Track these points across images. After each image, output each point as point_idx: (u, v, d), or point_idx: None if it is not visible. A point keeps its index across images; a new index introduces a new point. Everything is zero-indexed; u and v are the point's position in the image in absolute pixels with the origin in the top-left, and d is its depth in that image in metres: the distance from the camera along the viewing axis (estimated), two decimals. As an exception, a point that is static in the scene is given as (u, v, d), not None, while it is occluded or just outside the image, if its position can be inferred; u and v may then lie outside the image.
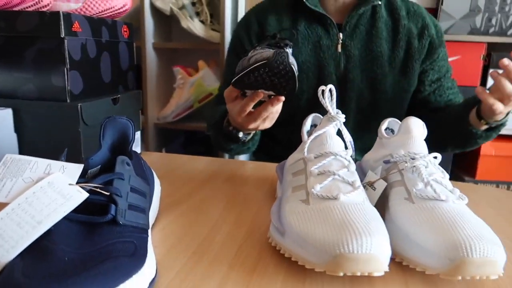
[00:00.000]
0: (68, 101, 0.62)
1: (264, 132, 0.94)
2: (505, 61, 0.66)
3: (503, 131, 1.29)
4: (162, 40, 1.67)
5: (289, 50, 0.63)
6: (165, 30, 1.69)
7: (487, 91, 0.71)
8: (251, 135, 0.81)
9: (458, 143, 0.85)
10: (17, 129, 0.63)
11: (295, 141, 0.58)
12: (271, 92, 0.61)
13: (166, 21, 1.68)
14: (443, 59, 0.91)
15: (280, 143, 0.98)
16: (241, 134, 0.79)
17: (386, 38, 0.87)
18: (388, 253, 0.37)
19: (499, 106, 0.69)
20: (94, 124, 0.64)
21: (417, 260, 0.39)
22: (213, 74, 1.59)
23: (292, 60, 0.57)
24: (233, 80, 0.60)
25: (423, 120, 0.71)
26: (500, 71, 0.69)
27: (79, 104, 0.60)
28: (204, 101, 1.60)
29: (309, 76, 0.88)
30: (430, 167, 0.47)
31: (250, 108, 0.66)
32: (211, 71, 1.58)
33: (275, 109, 0.66)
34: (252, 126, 0.69)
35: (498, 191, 0.70)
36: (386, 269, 0.36)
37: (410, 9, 0.90)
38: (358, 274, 0.35)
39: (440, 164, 0.50)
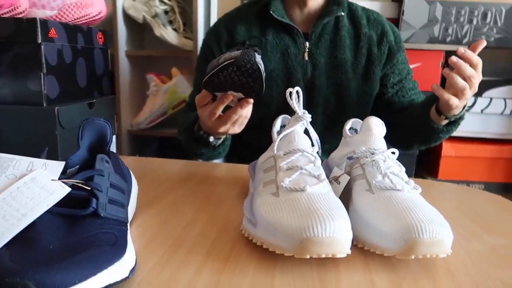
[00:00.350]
0: (45, 105, 0.63)
1: (235, 137, 0.97)
2: (454, 58, 0.71)
3: (463, 134, 1.37)
4: (135, 47, 1.68)
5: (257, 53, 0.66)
6: (138, 38, 1.70)
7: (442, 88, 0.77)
8: (222, 139, 0.84)
9: (423, 139, 0.91)
10: (-7, 133, 0.63)
11: (265, 146, 0.61)
12: (240, 95, 0.64)
13: (139, 29, 1.70)
14: (403, 62, 0.97)
15: (251, 148, 1.01)
16: (211, 139, 0.82)
17: (349, 45, 0.93)
18: (349, 236, 0.41)
19: (454, 101, 0.75)
20: (70, 127, 0.65)
21: (376, 244, 0.44)
22: (187, 81, 1.62)
23: (259, 60, 0.60)
24: (204, 80, 0.62)
25: (389, 121, 0.76)
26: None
27: (56, 108, 0.62)
28: (177, 108, 1.62)
29: (278, 83, 0.92)
30: (388, 161, 0.51)
31: (219, 111, 0.69)
32: (184, 78, 1.61)
33: (245, 113, 0.69)
34: (222, 129, 0.72)
35: (456, 186, 0.75)
36: (349, 251, 0.40)
37: (370, 17, 0.96)
38: (323, 256, 0.39)
39: (404, 165, 0.55)
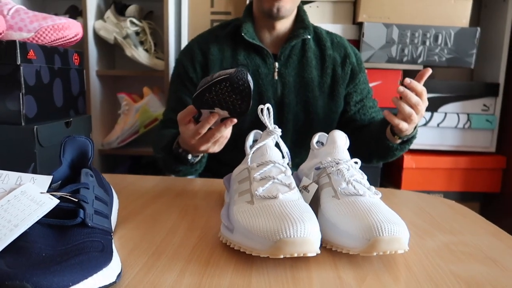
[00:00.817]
0: (23, 124, 0.65)
1: (211, 154, 1.00)
2: (401, 88, 0.79)
3: (422, 147, 1.47)
4: (106, 67, 1.69)
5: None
6: (108, 58, 1.72)
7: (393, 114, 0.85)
8: (199, 157, 0.87)
9: (380, 155, 0.98)
10: (-31, 152, 0.64)
11: (238, 162, 0.65)
12: (225, 113, 0.67)
13: (110, 49, 1.72)
14: (364, 82, 1.05)
15: (226, 165, 1.05)
16: (190, 156, 0.85)
17: (315, 66, 1.00)
18: (318, 237, 0.45)
19: (403, 125, 0.83)
20: (48, 145, 0.67)
21: (342, 244, 0.48)
22: (158, 100, 1.64)
23: (250, 79, 0.64)
24: (194, 95, 0.65)
25: (351, 137, 0.83)
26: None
27: (35, 127, 0.64)
28: (150, 126, 1.63)
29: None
30: (351, 170, 0.57)
31: (205, 130, 0.72)
32: (156, 97, 1.63)
33: (226, 133, 0.73)
34: (203, 148, 0.75)
35: (413, 194, 0.82)
36: (318, 250, 0.45)
37: (334, 40, 1.04)
38: (295, 255, 0.43)
39: (369, 177, 0.60)
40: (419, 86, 0.80)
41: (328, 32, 1.05)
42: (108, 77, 1.71)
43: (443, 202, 0.76)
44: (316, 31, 1.04)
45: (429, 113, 1.43)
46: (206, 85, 0.64)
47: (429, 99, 1.45)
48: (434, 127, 1.45)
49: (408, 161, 1.44)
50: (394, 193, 0.82)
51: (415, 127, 0.89)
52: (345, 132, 0.68)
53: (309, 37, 0.99)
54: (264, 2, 0.94)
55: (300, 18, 1.01)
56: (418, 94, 0.80)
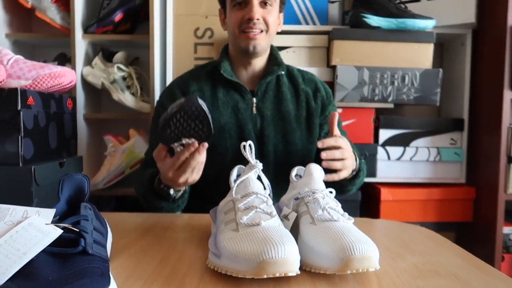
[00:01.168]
0: (21, 164, 0.69)
1: (193, 192, 1.04)
2: (323, 153, 0.87)
3: (397, 180, 1.54)
4: (93, 111, 1.75)
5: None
6: (95, 102, 1.78)
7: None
8: (181, 192, 0.92)
9: (337, 190, 1.03)
10: (-32, 192, 0.68)
11: (221, 197, 0.68)
12: (194, 141, 0.72)
13: (96, 93, 1.78)
14: None
15: (209, 202, 1.06)
16: (172, 191, 0.89)
17: (290, 100, 1.08)
18: (297, 258, 0.50)
19: (340, 176, 0.90)
20: (44, 184, 0.71)
21: (320, 265, 0.53)
22: (144, 141, 1.69)
23: (202, 102, 0.68)
24: (159, 134, 0.70)
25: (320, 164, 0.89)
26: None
27: (33, 167, 0.68)
28: (135, 167, 1.67)
29: (231, 135, 1.04)
30: (326, 198, 0.63)
31: (180, 162, 0.77)
32: (141, 138, 1.68)
33: (201, 158, 0.78)
34: (182, 179, 0.80)
35: (386, 222, 0.88)
36: (298, 271, 0.49)
37: (305, 76, 1.14)
38: (277, 275, 0.48)
39: (349, 210, 0.65)
40: (332, 141, 0.88)
41: (299, 70, 1.15)
42: (95, 120, 1.76)
43: (413, 228, 0.82)
44: (288, 68, 1.13)
45: (401, 148, 1.52)
46: (164, 122, 0.69)
47: (401, 135, 1.55)
48: (408, 161, 1.53)
49: (385, 193, 1.51)
50: (370, 222, 0.88)
51: (358, 161, 0.98)
52: (316, 161, 0.74)
53: (282, 73, 1.08)
54: (241, 41, 1.02)
55: (273, 56, 1.11)
56: (335, 147, 0.88)
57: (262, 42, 1.03)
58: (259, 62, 1.09)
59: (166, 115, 0.69)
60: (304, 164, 0.78)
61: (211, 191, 1.05)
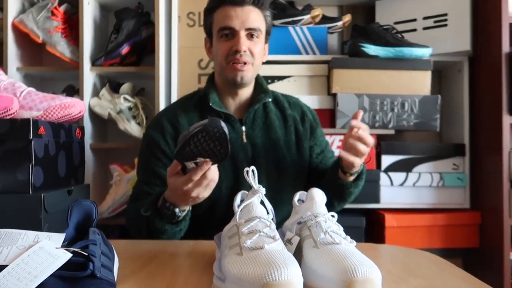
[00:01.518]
0: (31, 192, 0.71)
1: (190, 227, 1.02)
2: (353, 121, 0.95)
3: (401, 206, 1.55)
4: (99, 140, 1.78)
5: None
6: (102, 132, 1.82)
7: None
8: (185, 212, 0.92)
9: (338, 196, 1.07)
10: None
11: (220, 226, 0.70)
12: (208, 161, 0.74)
13: (103, 123, 1.82)
14: (321, 135, 1.18)
15: (202, 233, 1.02)
16: (177, 210, 0.90)
17: (279, 125, 1.11)
18: (300, 280, 0.51)
19: (356, 160, 0.96)
20: (52, 211, 0.73)
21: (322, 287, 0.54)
22: (149, 170, 1.71)
23: (224, 125, 0.71)
24: (176, 150, 0.72)
25: (312, 184, 0.91)
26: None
27: (42, 195, 0.70)
28: (140, 196, 1.68)
29: (225, 166, 1.04)
30: (328, 222, 0.64)
31: (198, 177, 0.78)
32: (146, 167, 1.71)
33: (215, 177, 0.80)
34: (194, 193, 0.81)
35: (390, 247, 0.88)
36: (301, 293, 0.50)
37: (290, 101, 1.17)
38: (281, 297, 0.49)
39: (353, 236, 0.66)
40: (364, 125, 0.96)
41: (283, 95, 1.18)
42: (101, 150, 1.79)
43: (418, 253, 0.82)
44: (274, 94, 1.16)
45: (404, 174, 1.53)
46: (184, 140, 0.71)
47: (403, 160, 1.57)
48: (411, 187, 1.54)
49: (390, 220, 1.51)
50: (373, 246, 0.88)
51: (362, 163, 1.02)
52: (309, 182, 0.76)
53: (269, 100, 1.11)
54: (228, 72, 1.05)
55: (259, 84, 1.13)
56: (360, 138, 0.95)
57: (249, 74, 1.06)
58: (246, 92, 1.11)
59: (188, 133, 0.71)
60: (297, 187, 0.80)
61: (206, 222, 1.06)
